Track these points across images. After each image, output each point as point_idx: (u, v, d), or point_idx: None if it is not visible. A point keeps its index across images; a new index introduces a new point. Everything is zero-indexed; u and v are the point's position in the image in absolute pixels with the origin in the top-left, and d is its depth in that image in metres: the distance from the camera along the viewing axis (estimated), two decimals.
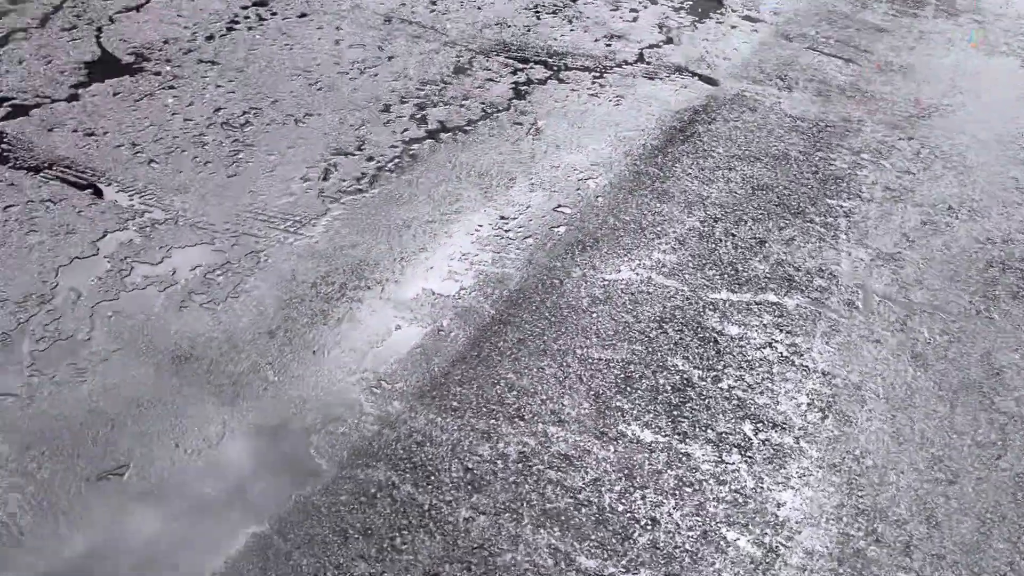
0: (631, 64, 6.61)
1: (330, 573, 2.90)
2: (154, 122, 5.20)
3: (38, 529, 2.93)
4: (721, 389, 3.80)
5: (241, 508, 3.08)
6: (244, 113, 5.37)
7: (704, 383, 3.82)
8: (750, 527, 3.23)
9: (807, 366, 3.98)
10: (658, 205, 4.99)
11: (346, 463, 3.29)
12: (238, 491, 3.14)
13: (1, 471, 3.10)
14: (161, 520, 3.00)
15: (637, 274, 4.42)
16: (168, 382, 3.54)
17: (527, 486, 3.26)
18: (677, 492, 3.32)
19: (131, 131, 5.09)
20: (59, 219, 4.39)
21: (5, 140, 4.90)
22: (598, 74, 6.38)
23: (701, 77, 6.60)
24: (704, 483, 3.37)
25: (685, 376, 3.84)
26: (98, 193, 4.70)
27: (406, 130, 5.43)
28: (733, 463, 3.47)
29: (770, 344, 4.07)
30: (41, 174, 4.70)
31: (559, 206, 4.91)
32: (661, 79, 6.46)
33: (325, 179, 4.91)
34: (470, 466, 3.32)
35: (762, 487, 3.38)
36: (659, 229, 4.79)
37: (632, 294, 4.29)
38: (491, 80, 6.08)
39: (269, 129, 5.26)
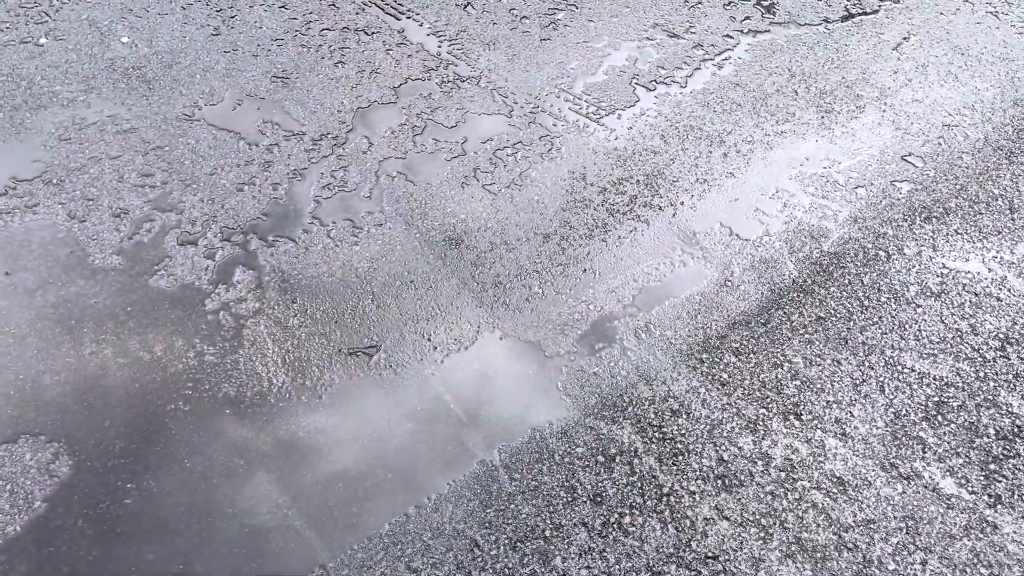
0: None
1: (548, 532, 2.68)
2: None
3: (286, 390, 2.95)
4: None
5: (474, 428, 2.91)
6: None
7: None
8: None
9: None
10: None
11: (592, 411, 2.98)
12: (475, 407, 2.97)
13: (265, 315, 3.14)
14: (395, 418, 2.91)
15: (990, 269, 3.54)
16: (434, 265, 3.37)
17: (785, 502, 2.79)
18: (969, 569, 2.70)
19: None
20: (368, 55, 4.26)
21: None
22: None
23: None
24: (1007, 569, 2.71)
25: (1019, 423, 3.06)
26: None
27: (747, 18, 4.64)
28: None
29: None
30: None
31: (909, 155, 4.02)
32: None
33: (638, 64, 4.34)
34: (726, 458, 2.89)
35: None
36: None
37: (977, 295, 3.45)
38: None
39: None
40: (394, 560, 2.57)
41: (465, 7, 4.58)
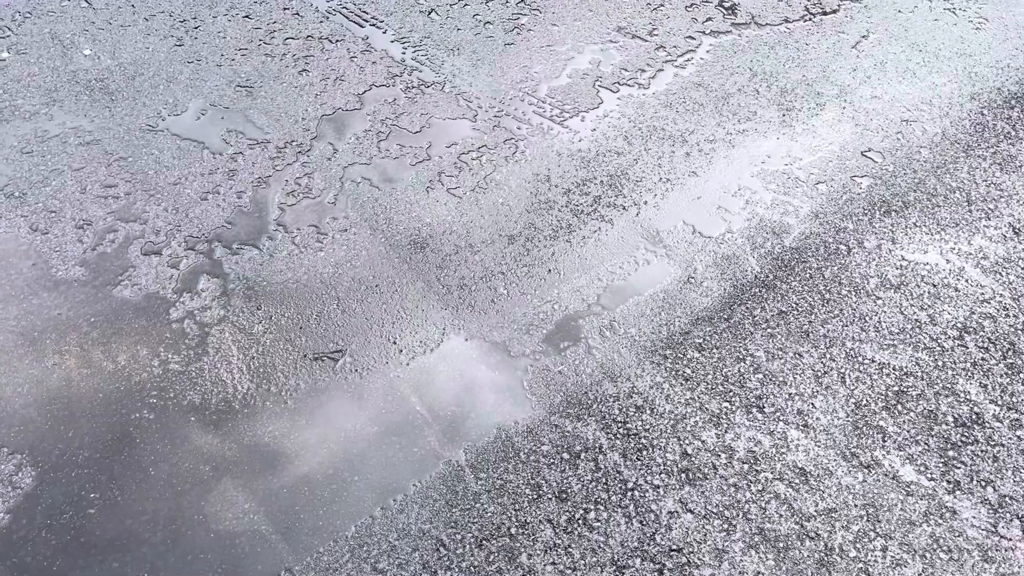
0: None
1: (513, 530, 2.70)
2: None
3: (252, 396, 2.96)
4: (1020, 439, 3.05)
5: (439, 428, 2.93)
6: None
7: (998, 425, 3.08)
8: None
9: None
10: (1000, 175, 4.00)
11: (556, 409, 3.01)
12: (440, 408, 2.99)
13: (230, 322, 3.15)
14: (361, 421, 2.93)
15: (948, 261, 3.60)
16: (400, 269, 3.39)
17: (749, 494, 2.83)
18: (929, 555, 2.74)
19: None
20: (332, 63, 4.28)
21: None
22: None
23: None
24: (967, 554, 2.75)
25: (977, 410, 3.12)
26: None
27: (709, 19, 4.71)
28: (1011, 540, 2.80)
29: None
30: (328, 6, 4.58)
31: (869, 150, 4.08)
32: None
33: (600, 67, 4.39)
34: (689, 451, 2.92)
35: None
36: (992, 207, 3.85)
37: (935, 286, 3.51)
38: None
39: None
40: (360, 562, 2.57)
41: (429, 14, 4.61)
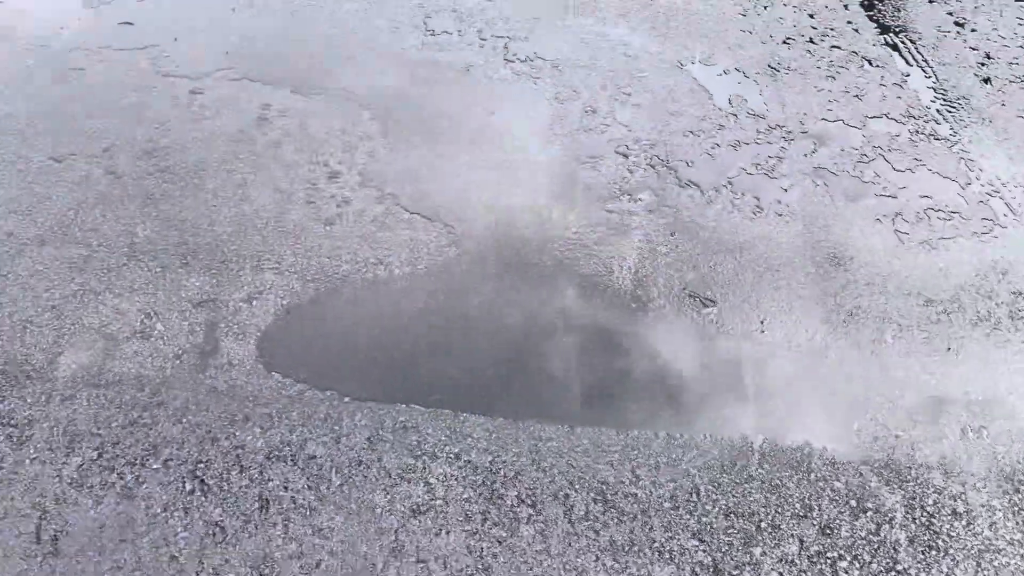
0: None
1: None
2: None
3: (621, 286, 3.40)
4: None
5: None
6: None
7: None
8: None
9: None
10: None
11: None
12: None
13: (646, 230, 3.60)
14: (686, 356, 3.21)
15: None
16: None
17: None
18: None
19: None
20: (858, 80, 4.40)
21: None
22: None
23: None
24: None
25: None
26: None
27: None
28: None
29: None
30: None
31: None
32: None
33: None
34: None
35: None
36: None
37: None
38: None
39: None
40: None
41: (987, 80, 4.44)
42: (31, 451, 2.83)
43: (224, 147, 3.86)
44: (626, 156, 3.97)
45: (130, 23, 4.49)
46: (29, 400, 2.96)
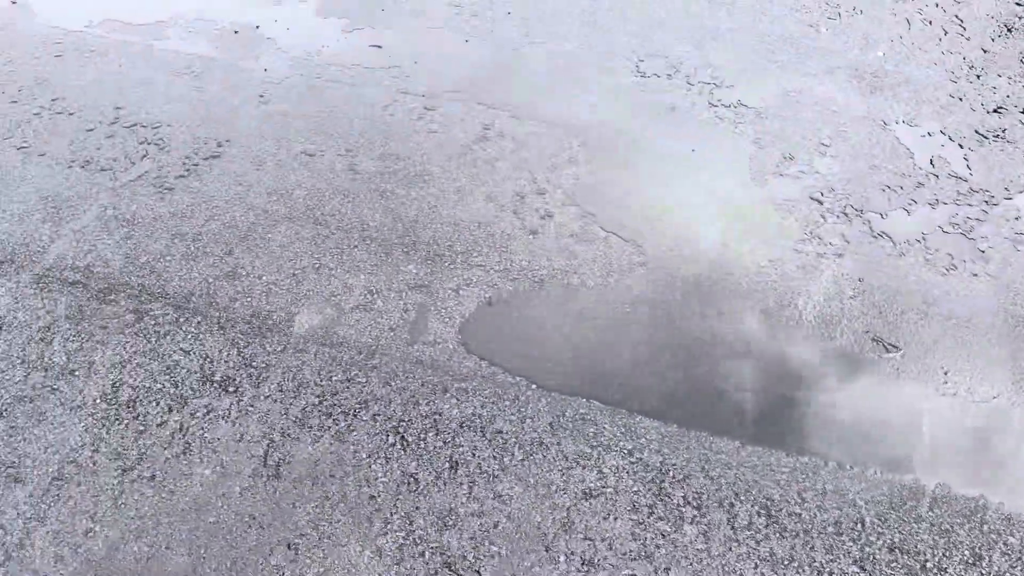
0: None
1: None
2: None
3: (794, 311, 3.50)
4: None
5: None
6: None
7: None
8: None
9: None
10: None
11: None
12: None
13: (842, 263, 3.70)
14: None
15: None
16: None
17: None
18: None
19: None
20: None
21: None
22: None
23: None
24: None
25: None
26: None
27: None
28: None
29: None
30: None
31: None
32: None
33: None
34: None
35: None
36: None
37: None
38: None
39: None
40: None
41: None
42: (266, 390, 3.31)
43: (448, 157, 4.34)
44: (820, 203, 4.08)
45: (379, 46, 5.12)
46: (268, 348, 3.46)
